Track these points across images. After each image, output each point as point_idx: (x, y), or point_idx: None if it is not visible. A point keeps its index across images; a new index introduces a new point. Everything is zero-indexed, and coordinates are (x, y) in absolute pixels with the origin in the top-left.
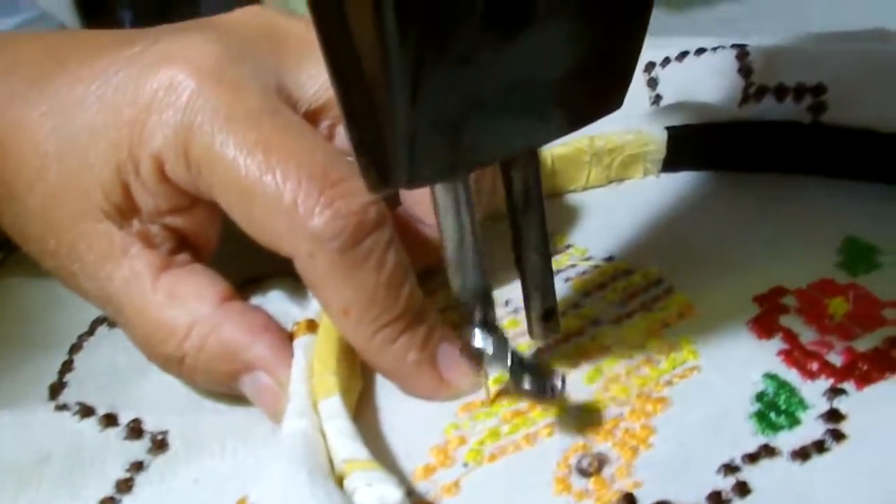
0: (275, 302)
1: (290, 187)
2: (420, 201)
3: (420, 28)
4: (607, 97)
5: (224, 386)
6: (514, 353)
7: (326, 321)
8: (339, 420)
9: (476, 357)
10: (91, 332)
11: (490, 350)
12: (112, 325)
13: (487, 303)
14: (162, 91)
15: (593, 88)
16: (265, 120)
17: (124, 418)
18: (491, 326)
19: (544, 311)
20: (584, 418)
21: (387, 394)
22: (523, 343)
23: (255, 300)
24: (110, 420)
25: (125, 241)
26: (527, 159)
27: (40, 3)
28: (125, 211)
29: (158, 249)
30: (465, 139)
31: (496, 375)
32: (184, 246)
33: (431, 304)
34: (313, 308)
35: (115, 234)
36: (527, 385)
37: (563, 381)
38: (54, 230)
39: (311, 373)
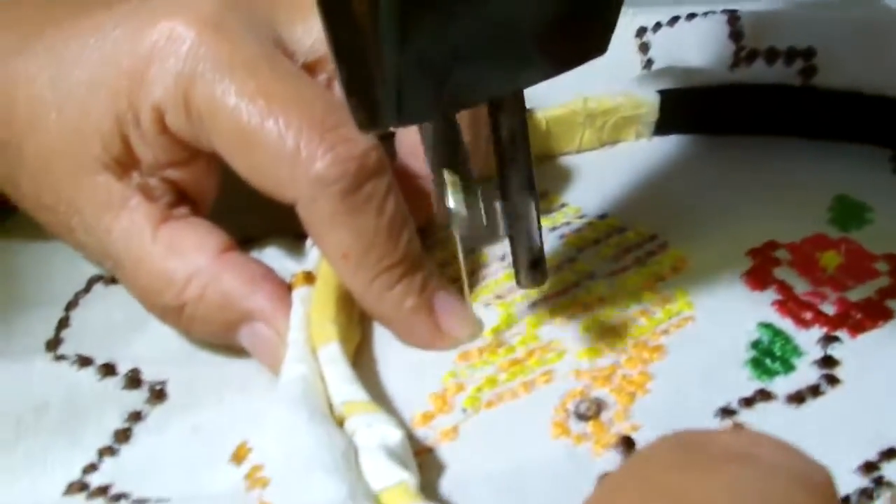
0: (272, 259)
1: (292, 133)
2: (415, 154)
3: None
4: (590, 41)
5: (222, 337)
6: (488, 212)
7: (325, 272)
8: (339, 365)
9: (450, 218)
10: (87, 289)
11: (462, 211)
12: (108, 282)
13: (460, 163)
14: (162, 41)
15: (576, 33)
16: (265, 68)
17: (122, 368)
18: (463, 186)
19: (531, 260)
20: (581, 365)
21: (385, 344)
22: (520, 296)
23: (253, 255)
24: (108, 370)
25: (124, 193)
26: (513, 104)
27: None
28: (124, 163)
29: (157, 202)
30: (451, 81)
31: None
32: (182, 199)
33: (429, 257)
34: (311, 261)
35: (114, 186)
36: (501, 232)
37: (527, 204)
38: (51, 183)
39: (309, 321)
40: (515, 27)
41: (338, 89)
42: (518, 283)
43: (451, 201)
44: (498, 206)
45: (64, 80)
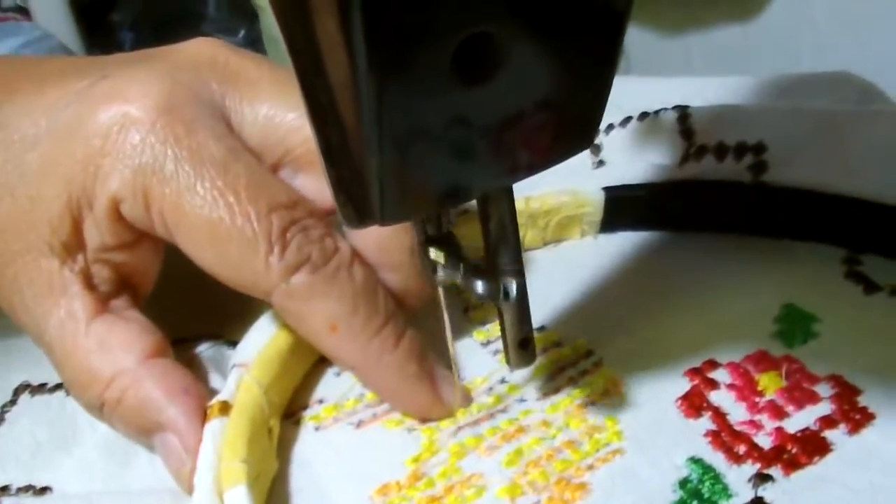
0: (205, 361)
1: (263, 228)
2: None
3: (389, 77)
4: (577, 135)
5: (138, 439)
6: (465, 261)
7: (241, 401)
8: None
9: (429, 269)
10: (14, 401)
11: (442, 260)
12: (35, 391)
13: (444, 238)
14: (116, 127)
15: (563, 127)
16: (230, 163)
17: None
18: (442, 238)
19: (521, 340)
20: None
21: (302, 477)
22: (445, 421)
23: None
24: None
25: (66, 279)
26: (501, 196)
27: (42, 24)
28: (71, 246)
29: (97, 291)
30: (436, 181)
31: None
32: (123, 287)
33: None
34: (228, 390)
35: (56, 272)
36: (479, 290)
37: (516, 285)
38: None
39: (219, 459)
40: (496, 128)
41: (283, 175)
42: (508, 363)
43: (441, 274)
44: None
45: (15, 165)
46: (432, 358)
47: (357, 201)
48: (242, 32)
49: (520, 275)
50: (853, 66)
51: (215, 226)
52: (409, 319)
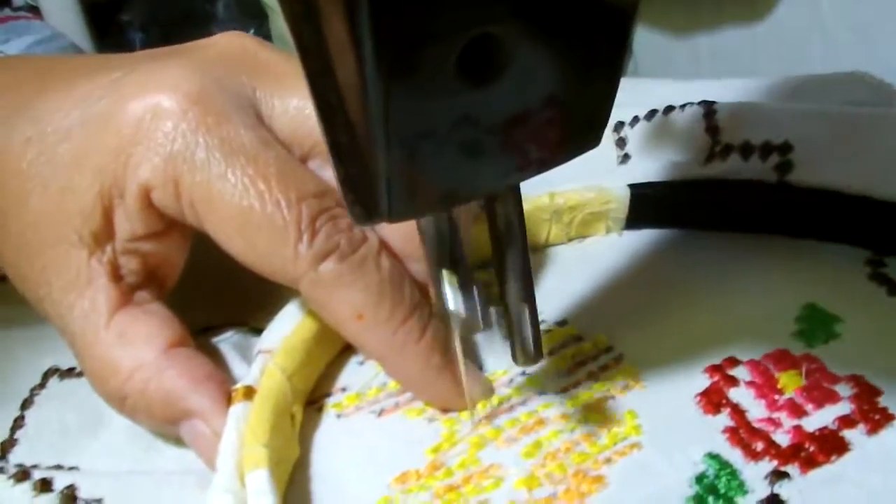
0: (226, 351)
1: (293, 216)
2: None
3: (396, 78)
4: (584, 134)
5: (163, 429)
6: (486, 312)
7: (265, 387)
8: (264, 496)
9: (447, 317)
10: (43, 384)
11: (462, 311)
12: (63, 375)
13: (457, 261)
14: (147, 118)
15: (571, 125)
16: (260, 152)
17: (59, 484)
18: (462, 285)
19: (528, 340)
20: (518, 496)
21: (323, 463)
22: (466, 412)
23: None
24: (45, 486)
25: (93, 270)
26: (508, 194)
27: (52, 24)
28: (100, 236)
29: (122, 283)
30: (443, 179)
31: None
32: (148, 279)
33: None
34: (252, 375)
35: (84, 263)
36: (494, 320)
37: (522, 272)
38: (28, 255)
39: (241, 443)
40: (510, 122)
41: (311, 166)
42: (514, 360)
43: (451, 302)
44: (494, 311)
45: (49, 157)
46: (456, 350)
47: (365, 199)
48: (252, 32)
49: (526, 276)
50: (862, 68)
51: (245, 213)
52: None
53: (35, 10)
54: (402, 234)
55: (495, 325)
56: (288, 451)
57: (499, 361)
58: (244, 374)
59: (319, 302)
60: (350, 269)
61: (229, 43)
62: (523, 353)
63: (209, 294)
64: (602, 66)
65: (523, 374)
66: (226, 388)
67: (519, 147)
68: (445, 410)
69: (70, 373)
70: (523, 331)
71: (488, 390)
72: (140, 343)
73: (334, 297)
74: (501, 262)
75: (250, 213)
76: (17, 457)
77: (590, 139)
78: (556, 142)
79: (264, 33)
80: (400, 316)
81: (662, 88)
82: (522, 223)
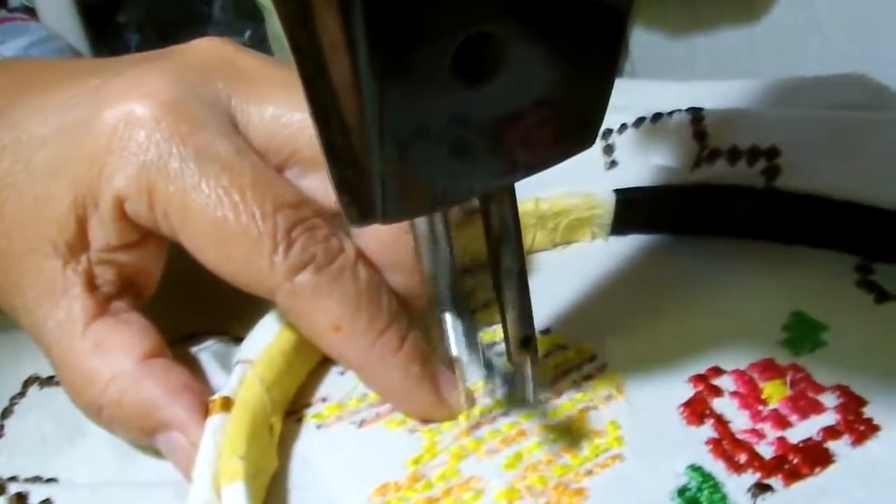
0: (206, 361)
1: (268, 227)
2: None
3: (390, 78)
4: (578, 135)
5: (140, 440)
6: (487, 361)
7: (242, 398)
8: None
9: (450, 364)
10: (23, 393)
11: (465, 358)
12: (43, 383)
13: (460, 307)
14: (121, 126)
15: (564, 126)
16: (235, 161)
17: (35, 498)
18: (465, 333)
19: (523, 338)
20: None
21: (302, 474)
22: (447, 423)
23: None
24: (20, 500)
25: (68, 280)
26: (503, 194)
27: (48, 25)
28: (75, 246)
29: (98, 293)
30: (438, 179)
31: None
32: (124, 289)
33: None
34: (231, 385)
35: (59, 273)
36: (499, 394)
37: (517, 271)
38: (2, 264)
39: (218, 455)
40: (504, 121)
41: (288, 175)
42: (509, 359)
43: (454, 348)
44: (497, 362)
45: (25, 165)
46: (435, 360)
47: (359, 200)
48: (248, 33)
49: (522, 274)
50: (859, 69)
51: (220, 224)
52: (412, 321)
53: (31, 12)
54: (381, 244)
55: (497, 378)
56: (266, 462)
57: (480, 372)
58: (224, 383)
59: (296, 313)
60: (327, 281)
61: (207, 49)
62: (518, 351)
63: (190, 302)
64: (596, 65)
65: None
66: (203, 399)
67: (513, 147)
68: (426, 422)
69: (50, 381)
70: (518, 330)
71: (470, 400)
72: (116, 353)
73: (311, 308)
74: (496, 262)
75: (225, 224)
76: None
77: (584, 139)
78: (551, 141)
79: (261, 35)
80: (378, 327)
81: (657, 90)
82: (517, 223)
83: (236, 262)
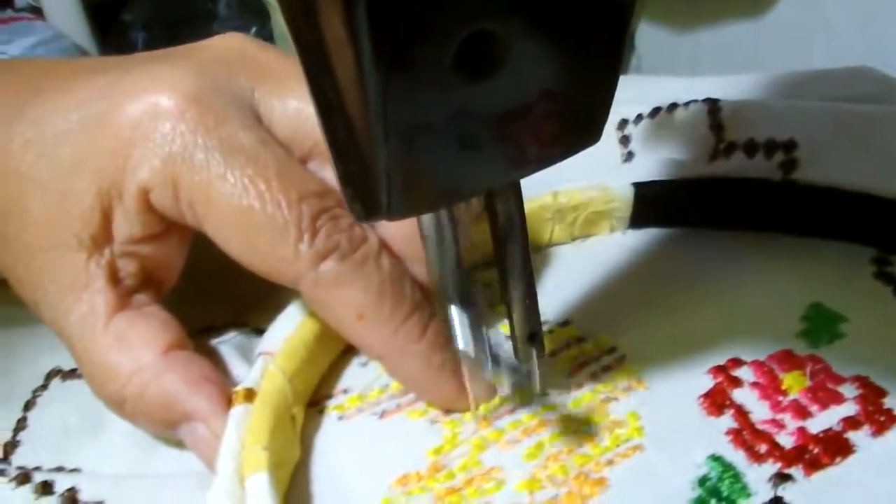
0: (227, 352)
1: (293, 216)
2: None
3: (394, 74)
4: (584, 129)
5: (163, 432)
6: (493, 355)
7: (265, 390)
8: (264, 500)
9: (457, 356)
10: (45, 385)
11: (472, 352)
12: (66, 376)
13: (466, 300)
14: (146, 119)
15: (570, 121)
16: (260, 152)
17: (60, 487)
18: (472, 325)
19: (529, 334)
20: (519, 499)
21: (323, 465)
22: (468, 413)
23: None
24: (46, 488)
25: (91, 273)
26: (508, 191)
27: (54, 25)
28: (99, 239)
29: (120, 286)
30: (442, 176)
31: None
32: (146, 282)
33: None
34: (254, 375)
35: (82, 266)
36: (507, 389)
37: (523, 268)
38: (26, 258)
39: (242, 446)
40: (508, 117)
41: (311, 167)
42: (516, 357)
43: (461, 341)
44: (502, 353)
45: (48, 160)
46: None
47: (365, 196)
48: (254, 30)
49: (528, 271)
50: (865, 61)
51: (245, 214)
52: (434, 311)
53: (37, 11)
54: (403, 236)
55: (504, 369)
56: (289, 453)
57: (487, 364)
58: (245, 375)
59: (320, 302)
60: (351, 269)
61: (228, 44)
62: (525, 348)
63: (211, 294)
64: (600, 61)
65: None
66: (225, 391)
67: (518, 143)
68: (448, 412)
69: (72, 374)
70: (525, 326)
71: (491, 390)
72: (138, 346)
73: (335, 297)
74: (502, 258)
75: (250, 213)
76: (19, 458)
77: (589, 135)
78: (555, 137)
79: (266, 32)
80: (400, 316)
81: (665, 85)
82: (523, 220)
83: (261, 251)
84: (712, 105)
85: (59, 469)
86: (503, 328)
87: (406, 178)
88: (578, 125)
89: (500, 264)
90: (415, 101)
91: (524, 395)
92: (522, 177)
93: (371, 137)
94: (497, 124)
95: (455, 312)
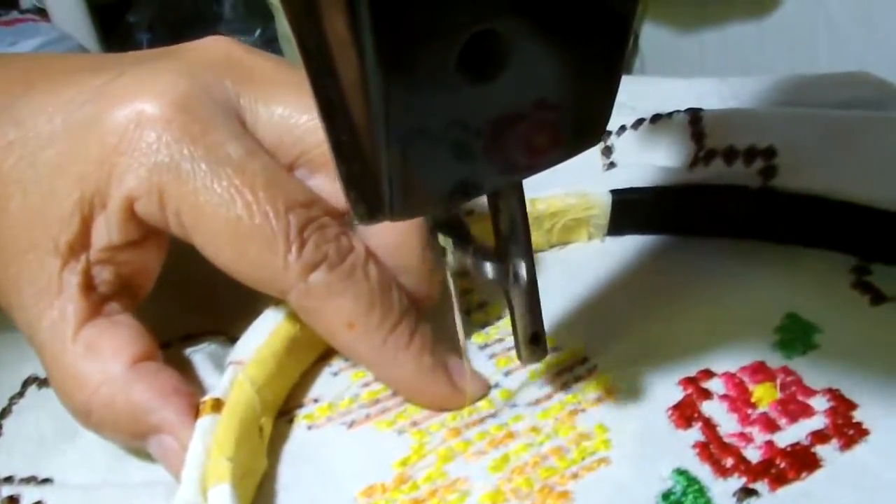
0: (201, 361)
1: (282, 226)
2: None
3: (397, 75)
4: (586, 131)
5: (130, 443)
6: (475, 245)
7: (233, 400)
8: None
9: (438, 255)
10: (21, 392)
11: (450, 245)
12: (42, 384)
13: (454, 222)
14: (132, 126)
15: (572, 123)
16: (247, 162)
17: (27, 500)
18: (451, 222)
19: (531, 335)
20: None
21: (291, 475)
22: (435, 423)
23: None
24: (12, 503)
25: (64, 280)
26: (511, 191)
27: (59, 26)
28: (76, 245)
29: (93, 294)
30: (445, 177)
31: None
32: (120, 290)
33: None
34: (222, 387)
35: (56, 272)
36: (489, 273)
37: (525, 269)
38: (2, 260)
39: (207, 456)
40: (510, 118)
41: (297, 175)
42: (518, 357)
43: (450, 259)
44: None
45: (31, 162)
46: (444, 349)
47: (367, 197)
48: (258, 32)
49: (530, 271)
50: (869, 64)
51: (234, 224)
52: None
53: (42, 13)
54: (389, 246)
55: (488, 272)
56: (255, 463)
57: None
58: (217, 384)
59: (310, 312)
60: (340, 279)
61: (215, 47)
62: (528, 348)
63: (187, 303)
64: (602, 64)
65: (496, 385)
66: (193, 402)
67: (519, 144)
68: (415, 423)
69: (48, 382)
70: (527, 326)
71: (484, 385)
72: (108, 356)
73: (325, 306)
74: (505, 259)
75: (238, 224)
76: None
77: (591, 137)
78: (556, 140)
79: (270, 34)
80: (390, 323)
81: (664, 87)
82: (526, 220)
83: (250, 262)
84: (694, 114)
85: (31, 479)
86: (479, 337)
87: (408, 180)
88: (579, 127)
89: (501, 263)
90: (418, 102)
91: (498, 400)
92: (524, 178)
93: (373, 138)
94: (499, 128)
95: (441, 232)
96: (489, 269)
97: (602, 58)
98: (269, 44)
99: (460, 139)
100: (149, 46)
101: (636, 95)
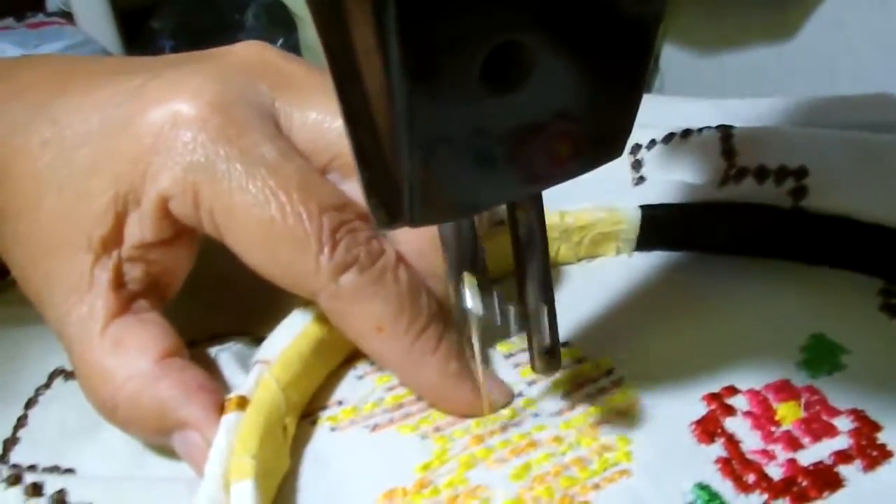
0: (227, 361)
1: (314, 228)
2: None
3: (421, 84)
4: (607, 144)
5: (155, 440)
6: (502, 311)
7: (258, 398)
8: None
9: (464, 316)
10: (48, 384)
11: (479, 311)
12: (68, 376)
13: (478, 263)
14: (167, 126)
15: (593, 135)
16: (281, 163)
17: (50, 489)
18: (481, 287)
19: (548, 347)
20: None
21: (313, 476)
22: (459, 429)
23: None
24: (35, 490)
25: (95, 276)
26: (530, 203)
27: (84, 30)
28: (108, 242)
29: (123, 291)
30: (465, 186)
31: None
32: (149, 288)
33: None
34: (248, 385)
35: (88, 268)
36: (513, 332)
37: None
38: (35, 257)
39: (230, 453)
40: (532, 129)
41: (330, 179)
42: (533, 368)
43: (469, 302)
44: (512, 308)
45: (66, 161)
46: (470, 356)
47: (388, 203)
48: (280, 42)
49: (547, 282)
50: (890, 88)
51: (267, 225)
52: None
53: (68, 16)
54: (417, 251)
55: (512, 324)
56: (277, 462)
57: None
58: (242, 383)
59: (339, 314)
60: (370, 282)
61: (249, 52)
62: (542, 359)
63: (213, 303)
64: (624, 76)
65: (520, 395)
66: (219, 399)
67: (540, 155)
68: (438, 428)
69: (74, 374)
70: (543, 338)
71: (508, 393)
72: (134, 352)
73: (354, 309)
74: (522, 269)
75: (271, 224)
76: (17, 456)
77: (612, 149)
78: (578, 151)
79: (293, 43)
80: (418, 327)
81: (685, 106)
82: (544, 231)
83: (281, 263)
84: (725, 131)
85: (54, 469)
86: (502, 347)
87: (429, 188)
88: (600, 140)
89: (519, 275)
90: (441, 111)
91: (521, 409)
92: (544, 189)
93: (396, 145)
94: (521, 137)
95: (465, 275)
96: (513, 320)
97: (625, 71)
98: (292, 53)
99: (482, 148)
100: (172, 52)
101: (659, 113)
